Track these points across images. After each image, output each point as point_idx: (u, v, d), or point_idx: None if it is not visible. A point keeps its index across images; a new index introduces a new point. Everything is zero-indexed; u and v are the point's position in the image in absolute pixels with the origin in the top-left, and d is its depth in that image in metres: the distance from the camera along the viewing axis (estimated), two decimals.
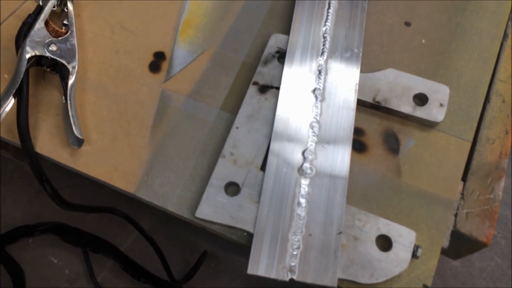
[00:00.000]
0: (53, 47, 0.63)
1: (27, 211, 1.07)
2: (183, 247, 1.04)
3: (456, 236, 0.57)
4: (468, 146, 0.61)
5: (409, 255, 0.54)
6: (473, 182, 0.60)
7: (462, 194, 0.59)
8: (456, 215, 0.58)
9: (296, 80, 0.63)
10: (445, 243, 0.57)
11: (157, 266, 0.93)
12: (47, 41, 0.63)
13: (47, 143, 0.62)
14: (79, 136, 0.60)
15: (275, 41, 0.67)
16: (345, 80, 0.63)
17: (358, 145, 0.62)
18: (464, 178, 0.60)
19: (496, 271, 1.11)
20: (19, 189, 1.10)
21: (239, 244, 0.57)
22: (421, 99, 0.63)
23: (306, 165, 0.58)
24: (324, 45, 0.66)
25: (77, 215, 0.78)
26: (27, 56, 0.61)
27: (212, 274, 1.03)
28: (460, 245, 0.59)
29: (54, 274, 1.01)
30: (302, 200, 0.56)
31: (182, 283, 0.96)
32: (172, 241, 1.04)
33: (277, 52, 0.66)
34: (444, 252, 0.58)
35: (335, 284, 0.52)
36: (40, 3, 0.66)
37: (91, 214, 0.96)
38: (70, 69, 0.63)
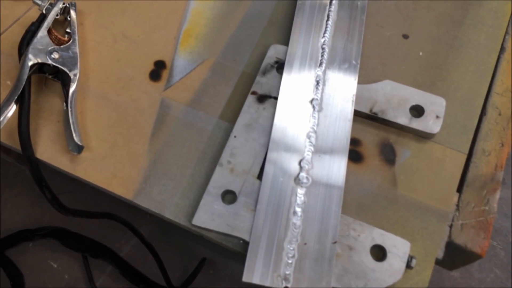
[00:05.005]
0: (55, 55, 0.64)
1: (27, 215, 1.07)
2: (182, 254, 1.05)
3: (451, 247, 0.58)
4: (463, 158, 0.62)
5: (403, 265, 0.54)
6: (469, 194, 0.60)
7: (458, 205, 0.60)
8: (451, 227, 0.58)
9: (294, 90, 0.64)
10: (440, 254, 0.57)
11: (156, 272, 0.93)
12: (49, 48, 0.64)
13: (48, 149, 0.63)
14: (79, 142, 0.61)
15: (274, 51, 0.68)
16: (343, 91, 0.64)
17: (355, 155, 0.62)
18: (459, 190, 0.61)
19: (495, 282, 1.11)
20: (20, 193, 1.11)
21: (235, 252, 0.58)
22: (417, 111, 0.63)
23: (303, 174, 0.59)
24: (322, 56, 0.66)
25: (77, 220, 0.78)
26: (30, 63, 0.62)
27: (210, 281, 1.03)
28: (455, 256, 0.59)
29: (53, 279, 1.02)
30: (298, 209, 0.57)
31: None
32: (171, 247, 1.05)
33: (276, 62, 0.67)
34: (439, 263, 0.59)
35: None
36: (44, 11, 0.67)
37: (91, 219, 0.97)
38: (72, 77, 0.64)
